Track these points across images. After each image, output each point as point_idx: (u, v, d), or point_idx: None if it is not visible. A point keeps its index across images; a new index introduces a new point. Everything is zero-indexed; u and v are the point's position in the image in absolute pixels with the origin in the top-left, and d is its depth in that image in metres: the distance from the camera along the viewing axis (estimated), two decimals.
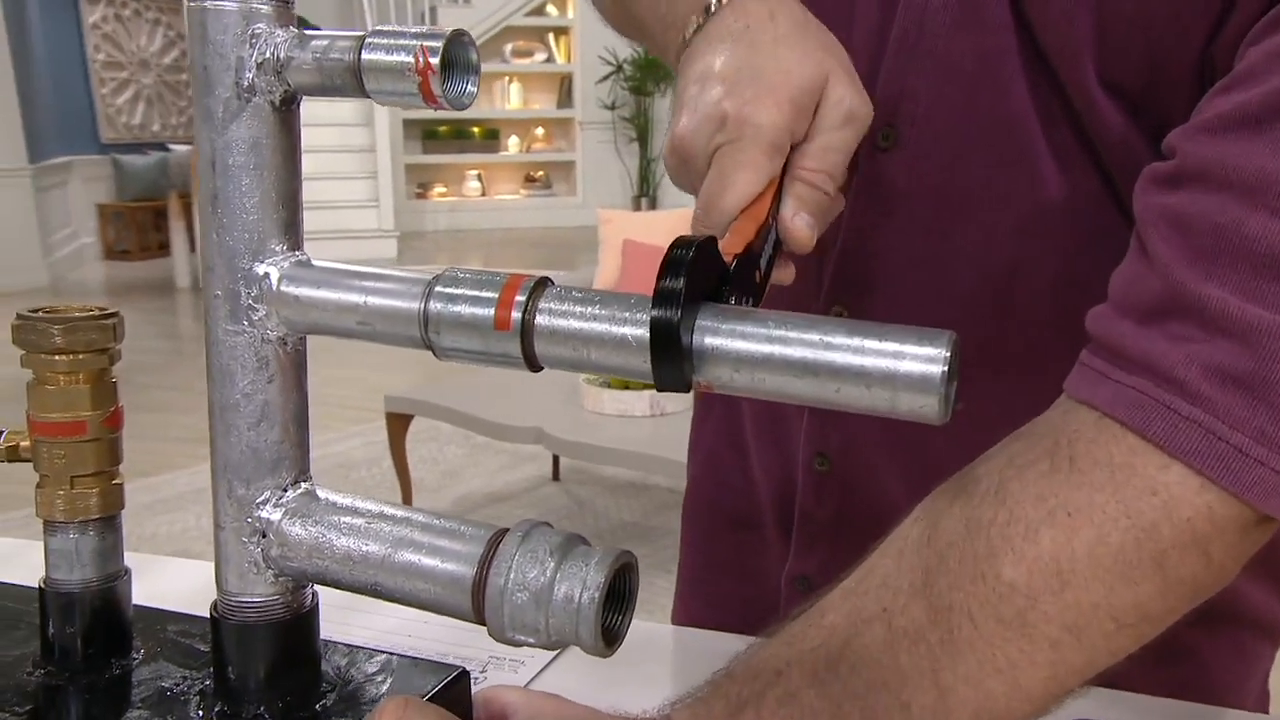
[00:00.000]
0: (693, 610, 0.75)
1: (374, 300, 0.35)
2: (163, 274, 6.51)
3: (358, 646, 0.50)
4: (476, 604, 0.35)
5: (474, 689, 0.58)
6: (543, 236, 8.31)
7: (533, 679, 0.61)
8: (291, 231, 0.38)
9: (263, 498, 0.40)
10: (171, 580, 0.66)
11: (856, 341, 0.29)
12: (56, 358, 0.45)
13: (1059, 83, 0.48)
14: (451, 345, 0.34)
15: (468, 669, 0.49)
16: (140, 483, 3.08)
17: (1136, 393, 0.38)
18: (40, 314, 0.46)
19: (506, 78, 8.80)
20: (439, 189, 8.97)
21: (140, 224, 7.33)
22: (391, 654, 0.50)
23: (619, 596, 0.35)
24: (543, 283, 0.33)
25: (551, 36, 8.83)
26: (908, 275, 0.54)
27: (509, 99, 8.88)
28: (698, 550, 0.76)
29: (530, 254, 7.52)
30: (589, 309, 0.33)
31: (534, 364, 0.33)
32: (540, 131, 9.01)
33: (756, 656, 0.44)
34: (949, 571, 0.40)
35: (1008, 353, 0.53)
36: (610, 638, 0.34)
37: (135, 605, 0.53)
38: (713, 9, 0.47)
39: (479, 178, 9.03)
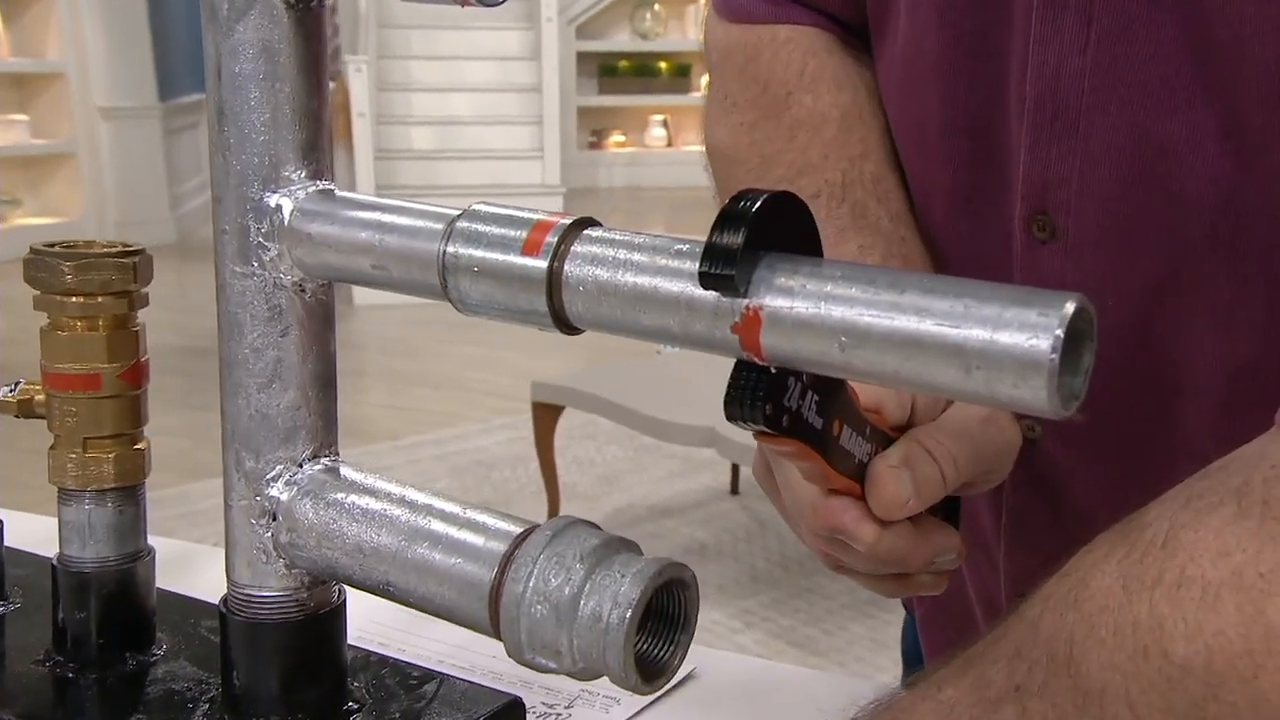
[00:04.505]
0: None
1: (390, 240, 0.36)
2: None
3: (402, 661, 0.51)
4: (494, 614, 0.35)
5: None
6: None
7: None
8: (312, 156, 0.39)
9: (273, 473, 0.42)
10: None
11: (945, 305, 0.26)
12: (69, 299, 0.48)
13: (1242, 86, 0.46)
14: (470, 297, 0.34)
15: (522, 698, 0.49)
16: None
17: None
18: (55, 249, 0.49)
19: (701, 1, 8.83)
20: (616, 137, 9.12)
21: None
22: (440, 674, 0.51)
23: (667, 620, 0.34)
24: (581, 224, 0.33)
25: None
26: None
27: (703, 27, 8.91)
28: None
29: None
30: (634, 257, 0.32)
31: (565, 324, 0.33)
32: None
33: None
34: (1100, 644, 0.37)
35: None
36: (649, 671, 0.33)
37: (175, 594, 0.56)
38: None
39: (664, 124, 9.12)
